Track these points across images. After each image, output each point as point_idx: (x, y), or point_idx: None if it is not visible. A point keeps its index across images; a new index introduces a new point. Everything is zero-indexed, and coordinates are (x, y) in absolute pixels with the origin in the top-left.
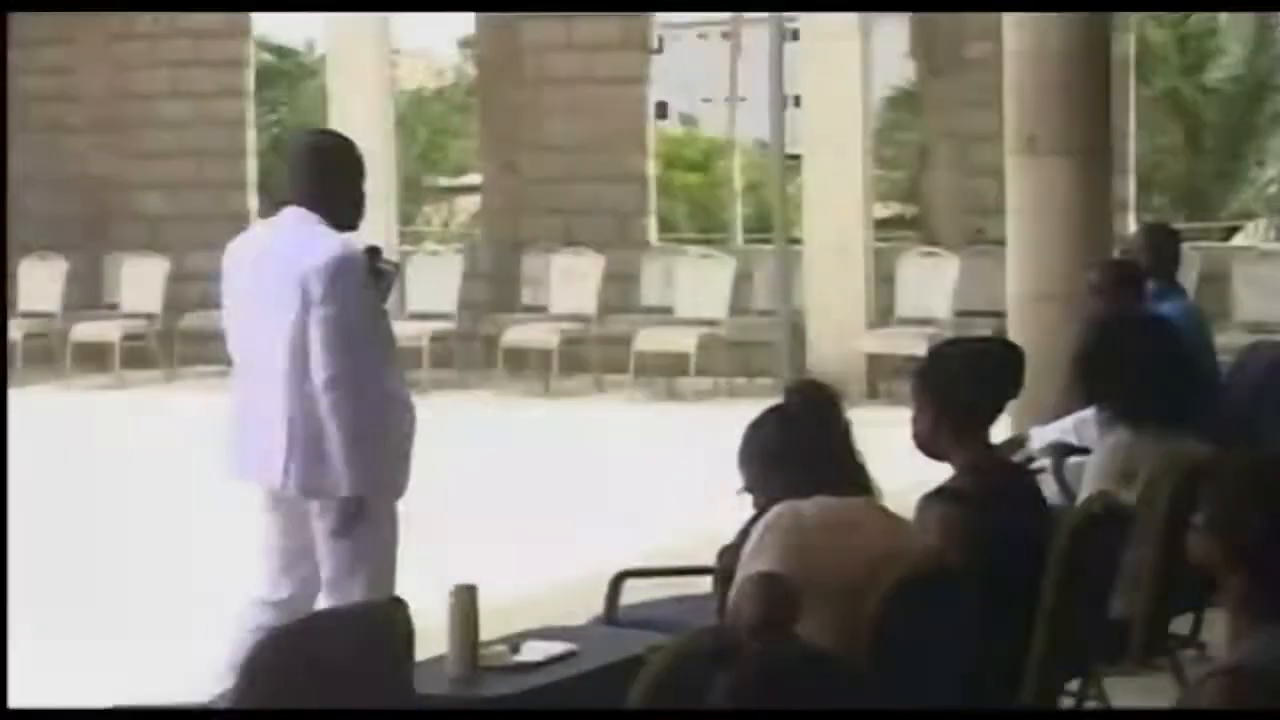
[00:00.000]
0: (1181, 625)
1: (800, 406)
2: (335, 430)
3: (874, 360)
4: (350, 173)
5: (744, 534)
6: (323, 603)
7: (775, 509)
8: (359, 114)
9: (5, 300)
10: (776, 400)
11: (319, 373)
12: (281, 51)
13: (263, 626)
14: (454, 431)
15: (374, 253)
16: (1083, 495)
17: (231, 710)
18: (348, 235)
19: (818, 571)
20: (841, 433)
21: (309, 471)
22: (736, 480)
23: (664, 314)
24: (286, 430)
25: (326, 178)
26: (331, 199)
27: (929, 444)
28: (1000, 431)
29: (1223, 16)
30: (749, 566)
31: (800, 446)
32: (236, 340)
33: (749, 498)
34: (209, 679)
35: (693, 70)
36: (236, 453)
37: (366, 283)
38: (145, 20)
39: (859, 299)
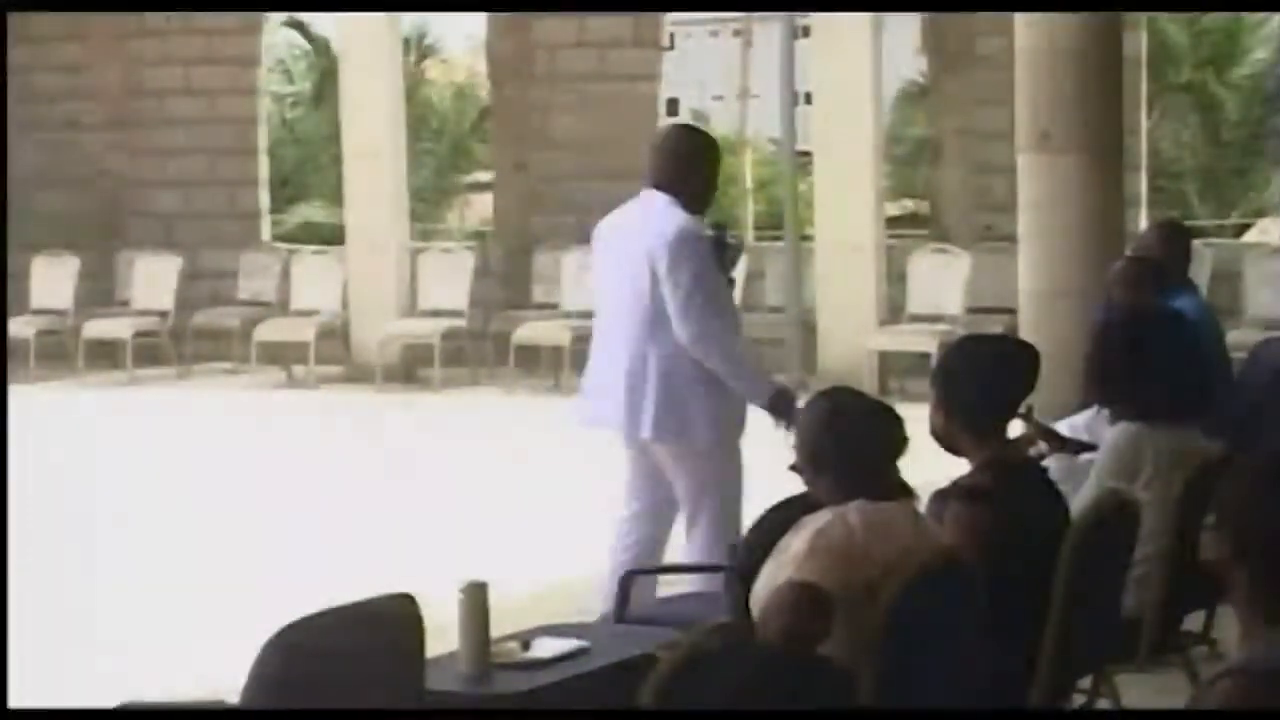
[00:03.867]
0: (1194, 623)
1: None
2: (724, 374)
3: (885, 357)
4: (707, 164)
5: (756, 530)
6: (686, 538)
7: (824, 518)
8: (371, 111)
9: (5, 299)
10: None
11: (684, 334)
12: (314, 40)
13: (631, 542)
14: (466, 428)
15: (720, 229)
16: (1089, 490)
17: (232, 710)
18: (689, 215)
19: (853, 580)
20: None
21: (660, 420)
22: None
23: None
24: (642, 386)
25: (685, 166)
26: (687, 184)
27: (945, 440)
28: (1013, 428)
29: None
30: (795, 571)
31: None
32: (599, 306)
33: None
34: (229, 671)
35: (704, 67)
36: (592, 404)
37: (708, 254)
38: (157, 18)
39: (870, 296)
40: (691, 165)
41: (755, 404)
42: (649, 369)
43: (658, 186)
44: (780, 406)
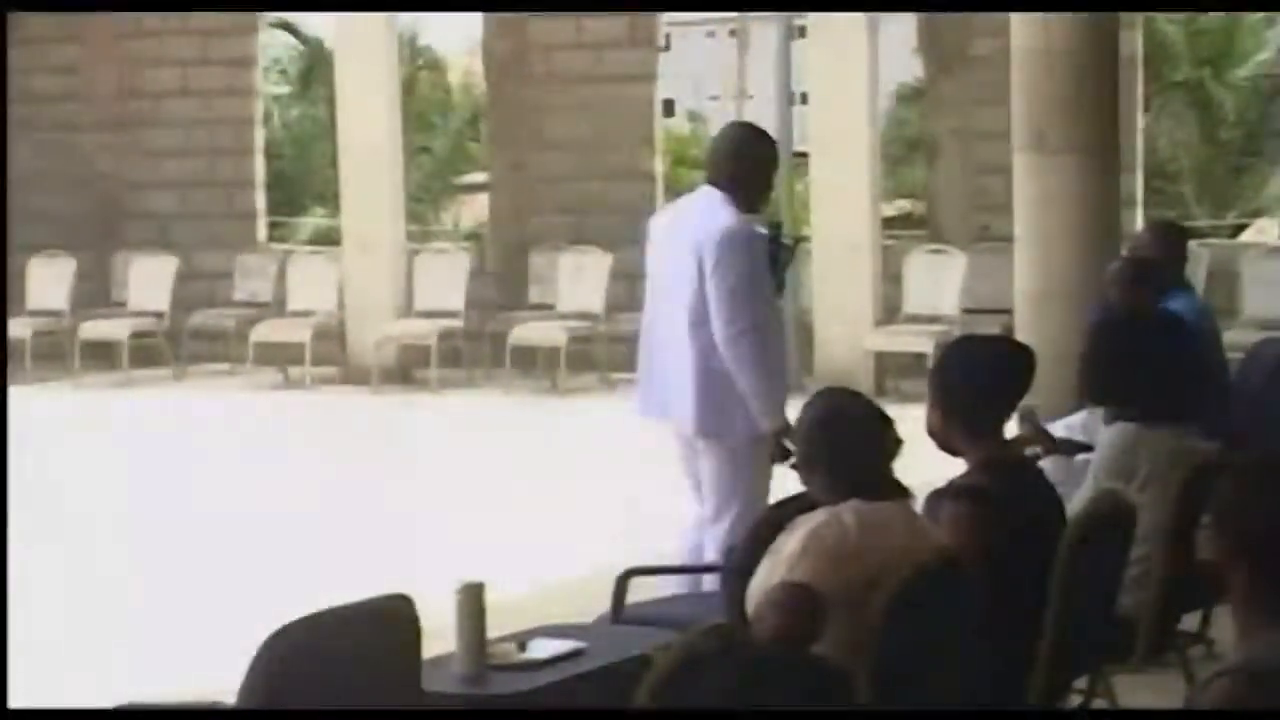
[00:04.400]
0: (1190, 622)
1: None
2: (742, 379)
3: (881, 357)
4: (762, 163)
5: (752, 530)
6: (705, 533)
7: (818, 518)
8: (367, 112)
9: (5, 300)
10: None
11: (719, 331)
12: (307, 40)
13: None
14: (462, 430)
15: (775, 229)
16: (1085, 491)
17: (232, 710)
18: (741, 213)
19: (847, 580)
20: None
21: (703, 417)
22: None
23: None
24: (686, 381)
25: (741, 164)
26: (741, 183)
27: (942, 440)
28: (1009, 429)
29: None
30: (788, 571)
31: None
32: (650, 298)
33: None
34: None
35: (700, 67)
36: (644, 395)
37: (754, 253)
38: (154, 18)
39: (866, 296)
40: (747, 163)
41: (761, 425)
42: (691, 364)
43: (713, 183)
44: (779, 441)
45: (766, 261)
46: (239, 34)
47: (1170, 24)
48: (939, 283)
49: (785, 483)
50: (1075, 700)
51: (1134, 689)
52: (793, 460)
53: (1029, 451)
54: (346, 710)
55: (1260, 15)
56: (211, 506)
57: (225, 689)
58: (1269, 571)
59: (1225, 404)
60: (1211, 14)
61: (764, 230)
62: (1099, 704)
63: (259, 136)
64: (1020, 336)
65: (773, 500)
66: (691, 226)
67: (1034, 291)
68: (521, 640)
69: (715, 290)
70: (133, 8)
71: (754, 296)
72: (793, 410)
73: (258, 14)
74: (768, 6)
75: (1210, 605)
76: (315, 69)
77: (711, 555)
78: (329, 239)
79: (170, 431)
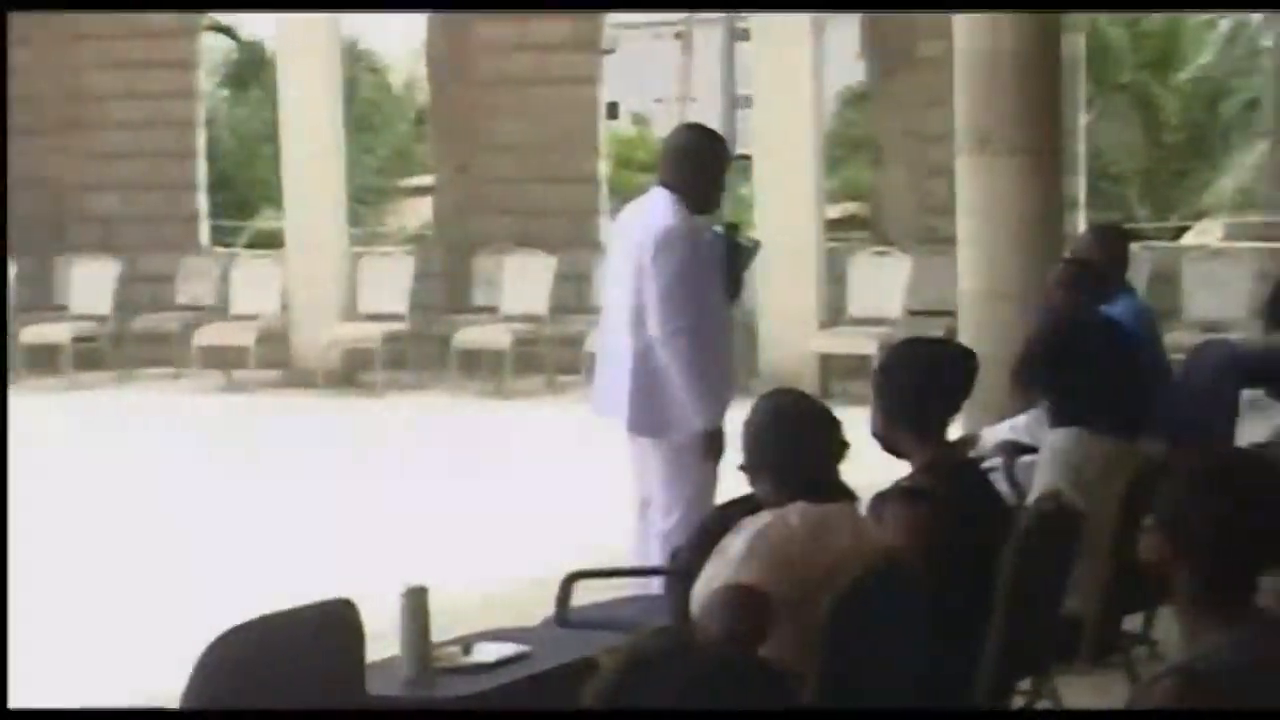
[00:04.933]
0: (1134, 624)
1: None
2: (677, 378)
3: (826, 360)
4: (711, 164)
5: (698, 532)
6: (654, 526)
7: (764, 520)
8: (311, 114)
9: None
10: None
11: (655, 330)
12: (243, 45)
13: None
14: (407, 432)
15: (732, 229)
16: (1033, 494)
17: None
18: (693, 214)
19: (794, 581)
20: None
21: (640, 416)
22: None
23: None
24: (625, 378)
25: (688, 165)
26: (689, 183)
27: (886, 442)
28: (952, 430)
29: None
30: (734, 573)
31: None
32: (605, 298)
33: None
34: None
35: (644, 70)
36: (598, 395)
37: (692, 252)
38: (98, 21)
39: (811, 298)
40: (695, 164)
41: (695, 423)
42: (631, 362)
43: (664, 184)
44: (712, 442)
45: (709, 261)
46: (181, 36)
47: (1113, 26)
48: (884, 284)
49: (731, 484)
50: (1019, 702)
51: (1078, 690)
52: (742, 462)
53: (973, 454)
54: (292, 711)
55: (1202, 18)
56: (155, 510)
57: (167, 693)
58: (1212, 572)
59: (1167, 406)
60: (1154, 16)
61: (718, 230)
62: (1044, 705)
63: (201, 139)
64: (964, 338)
65: (719, 501)
66: (636, 226)
67: (977, 293)
68: (466, 644)
69: (651, 289)
70: (130, 8)
71: (691, 296)
72: (739, 412)
73: (199, 16)
74: (712, 6)
75: (1154, 607)
76: (250, 71)
77: (657, 555)
78: (273, 242)
79: (114, 435)
